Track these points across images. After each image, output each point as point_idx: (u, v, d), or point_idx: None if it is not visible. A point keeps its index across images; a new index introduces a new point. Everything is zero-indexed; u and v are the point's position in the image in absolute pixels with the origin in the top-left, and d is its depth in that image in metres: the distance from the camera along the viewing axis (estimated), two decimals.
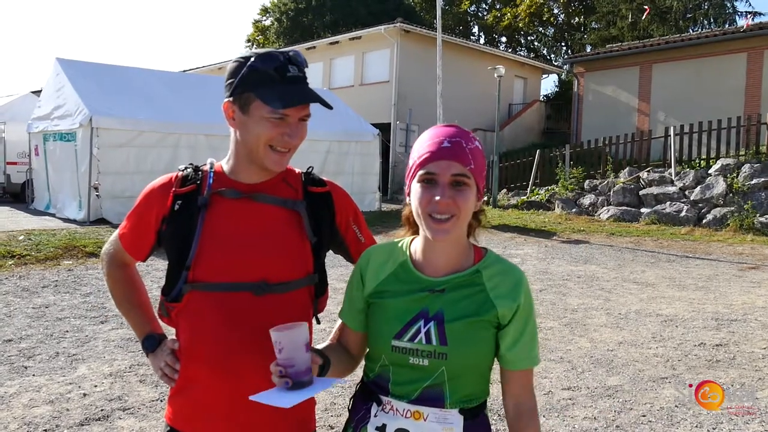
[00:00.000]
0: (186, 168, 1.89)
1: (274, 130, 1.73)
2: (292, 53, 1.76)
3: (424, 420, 1.61)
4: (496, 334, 1.66)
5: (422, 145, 1.65)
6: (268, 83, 1.70)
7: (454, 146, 1.60)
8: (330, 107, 1.78)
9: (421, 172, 1.61)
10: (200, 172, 1.86)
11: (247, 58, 1.74)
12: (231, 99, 1.77)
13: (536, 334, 1.70)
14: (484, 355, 1.66)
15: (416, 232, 1.76)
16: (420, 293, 1.66)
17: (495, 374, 1.70)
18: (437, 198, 1.56)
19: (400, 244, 1.79)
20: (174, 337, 1.89)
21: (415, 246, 1.74)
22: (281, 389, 1.55)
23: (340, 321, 1.90)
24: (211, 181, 1.83)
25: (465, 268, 1.69)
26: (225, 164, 1.88)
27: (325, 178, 1.99)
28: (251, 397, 1.58)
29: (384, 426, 1.65)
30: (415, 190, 1.62)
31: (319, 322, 2.00)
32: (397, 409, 1.64)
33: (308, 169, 1.98)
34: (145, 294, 2.05)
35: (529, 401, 1.70)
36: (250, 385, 1.76)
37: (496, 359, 1.71)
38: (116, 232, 2.00)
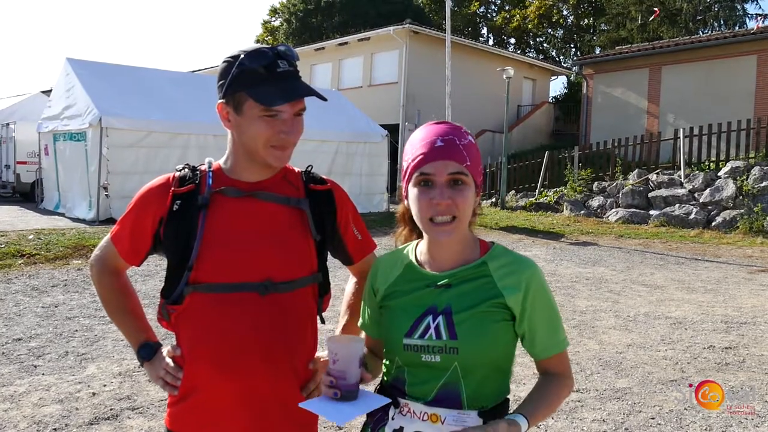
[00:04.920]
0: (183, 168, 1.85)
1: (270, 130, 1.71)
2: (282, 47, 1.73)
3: (442, 423, 1.59)
4: (513, 327, 1.63)
5: (415, 145, 1.63)
6: (258, 81, 1.68)
7: (447, 144, 1.58)
8: (324, 99, 1.76)
9: (416, 174, 1.59)
10: (198, 172, 1.83)
11: (236, 57, 1.71)
12: (224, 100, 1.75)
13: (557, 318, 1.66)
14: (498, 347, 1.61)
15: (412, 229, 1.77)
16: (426, 289, 1.65)
17: (514, 376, 1.70)
18: (436, 200, 1.55)
19: (405, 249, 1.79)
20: (174, 343, 1.85)
21: (421, 247, 1.74)
22: (328, 399, 1.56)
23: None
24: (210, 180, 1.80)
25: (471, 261, 1.67)
26: (223, 163, 1.86)
27: (324, 177, 1.97)
28: (301, 404, 1.59)
29: (401, 429, 1.63)
30: (412, 195, 1.61)
31: (324, 322, 1.99)
32: (414, 412, 1.62)
33: (308, 167, 1.96)
34: (137, 301, 2.00)
35: (563, 375, 1.69)
36: (256, 386, 1.76)
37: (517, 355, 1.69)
38: (107, 237, 1.94)
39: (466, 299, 1.61)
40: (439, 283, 1.65)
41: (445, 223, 1.57)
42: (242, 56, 1.70)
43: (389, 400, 1.63)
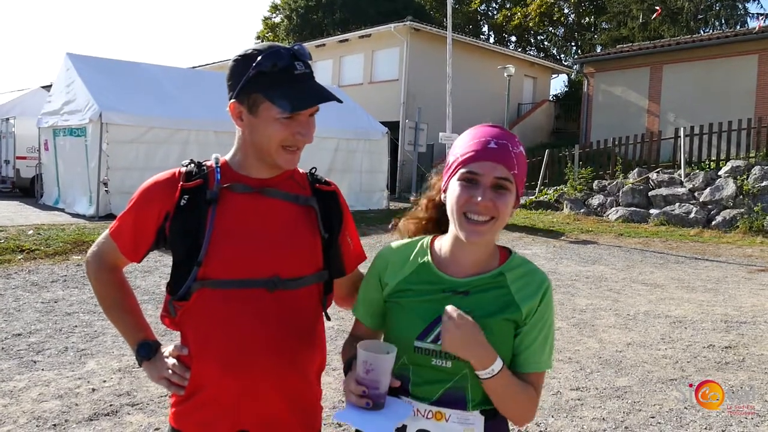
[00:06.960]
0: (189, 163, 1.83)
1: (285, 131, 1.69)
2: (297, 48, 1.70)
3: (446, 421, 1.59)
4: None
5: (466, 143, 1.63)
6: (276, 84, 1.65)
7: (500, 148, 1.58)
8: (341, 101, 1.76)
9: (462, 170, 1.59)
10: (204, 168, 1.81)
11: (250, 57, 1.68)
12: (237, 100, 1.72)
13: (550, 339, 1.64)
14: (509, 356, 1.61)
15: (430, 221, 1.80)
16: (443, 294, 1.63)
17: None
18: (478, 199, 1.55)
19: (419, 244, 1.76)
20: (178, 342, 1.83)
21: (440, 244, 1.72)
22: (360, 409, 1.54)
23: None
24: (218, 176, 1.78)
25: (489, 270, 1.65)
26: (230, 159, 1.83)
27: (327, 179, 1.97)
28: (335, 416, 1.57)
29: (404, 427, 1.62)
30: (453, 188, 1.60)
31: (329, 319, 1.98)
32: (418, 410, 1.61)
33: (311, 169, 1.95)
34: (135, 299, 1.97)
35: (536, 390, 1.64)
36: (264, 383, 1.75)
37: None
38: (106, 233, 1.90)
39: (483, 309, 1.59)
40: (457, 290, 1.63)
41: (482, 223, 1.56)
42: (259, 57, 1.66)
43: (413, 407, 1.62)
